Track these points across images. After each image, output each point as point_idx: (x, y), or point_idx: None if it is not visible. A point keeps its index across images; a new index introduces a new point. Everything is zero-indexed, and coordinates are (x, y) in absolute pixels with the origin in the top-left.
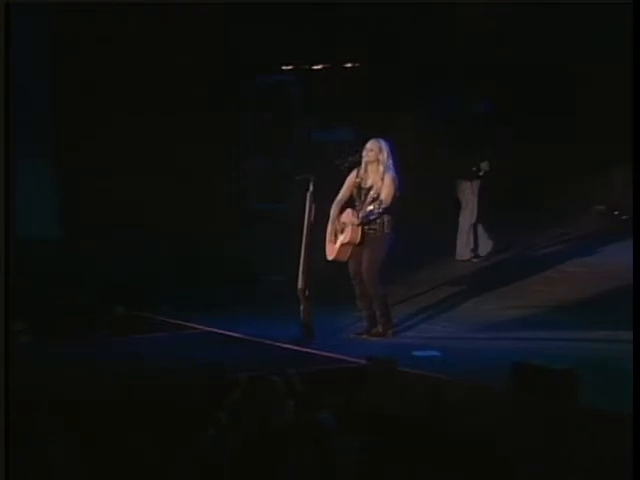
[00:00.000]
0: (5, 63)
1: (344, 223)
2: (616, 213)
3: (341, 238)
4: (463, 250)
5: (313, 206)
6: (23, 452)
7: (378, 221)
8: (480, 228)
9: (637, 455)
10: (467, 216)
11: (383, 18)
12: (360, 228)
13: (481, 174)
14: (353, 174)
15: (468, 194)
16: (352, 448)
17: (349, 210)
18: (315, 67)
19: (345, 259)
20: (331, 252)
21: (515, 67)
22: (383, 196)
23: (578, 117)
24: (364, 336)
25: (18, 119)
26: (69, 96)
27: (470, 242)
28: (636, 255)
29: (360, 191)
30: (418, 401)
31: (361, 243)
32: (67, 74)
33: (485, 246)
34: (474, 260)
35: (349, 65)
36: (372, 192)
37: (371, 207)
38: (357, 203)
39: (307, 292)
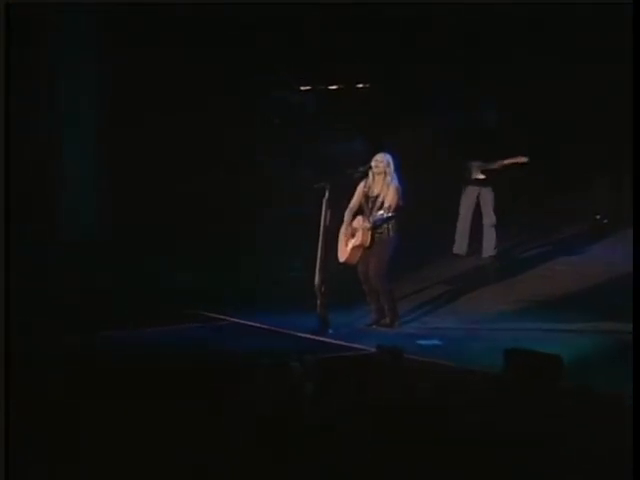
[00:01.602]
0: (5, 63)
1: (355, 228)
2: (598, 217)
3: (352, 241)
4: (460, 247)
5: (328, 211)
6: (23, 452)
7: (384, 226)
8: (487, 230)
9: (637, 442)
10: (465, 218)
11: (382, 19)
12: (370, 232)
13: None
14: (361, 184)
15: (467, 197)
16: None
17: (359, 217)
18: (327, 83)
19: (355, 262)
20: (343, 254)
21: (515, 67)
22: (389, 203)
23: (577, 118)
24: (373, 327)
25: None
26: (114, 97)
27: (466, 240)
28: (636, 254)
29: (368, 199)
30: (422, 384)
31: (370, 246)
32: (113, 73)
33: (488, 249)
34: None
35: (360, 85)
36: (379, 199)
37: (381, 212)
38: (365, 210)
39: (323, 288)
